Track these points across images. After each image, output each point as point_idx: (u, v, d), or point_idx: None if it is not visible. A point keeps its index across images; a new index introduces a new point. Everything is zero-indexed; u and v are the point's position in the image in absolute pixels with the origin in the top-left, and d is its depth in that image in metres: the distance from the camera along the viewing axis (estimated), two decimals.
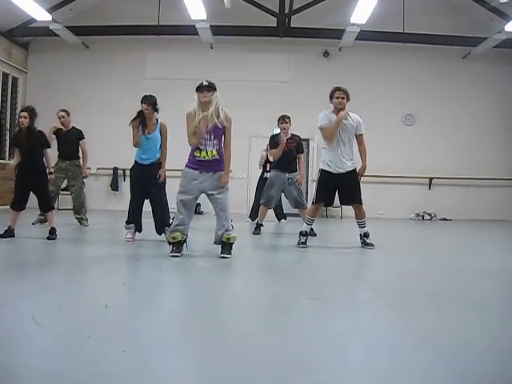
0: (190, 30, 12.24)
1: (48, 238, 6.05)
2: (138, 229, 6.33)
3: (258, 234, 7.66)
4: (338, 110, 6.11)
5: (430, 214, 13.30)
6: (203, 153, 5.05)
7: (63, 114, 8.40)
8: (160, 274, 4.28)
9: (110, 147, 12.25)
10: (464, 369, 2.08)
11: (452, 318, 2.93)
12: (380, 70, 13.44)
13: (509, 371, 2.11)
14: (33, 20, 12.07)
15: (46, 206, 6.36)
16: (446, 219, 13.12)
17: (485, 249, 6.98)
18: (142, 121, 6.20)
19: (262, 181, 9.75)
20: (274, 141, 7.74)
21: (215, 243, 5.15)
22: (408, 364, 2.14)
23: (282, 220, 10.23)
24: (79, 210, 8.25)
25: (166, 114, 13.17)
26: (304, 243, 6.15)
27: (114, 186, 13.67)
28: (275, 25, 12.63)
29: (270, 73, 13.59)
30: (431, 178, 13.47)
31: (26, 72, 13.87)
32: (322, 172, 6.18)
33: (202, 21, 11.87)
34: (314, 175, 12.45)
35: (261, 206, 7.97)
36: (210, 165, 5.07)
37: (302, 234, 6.24)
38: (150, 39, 13.25)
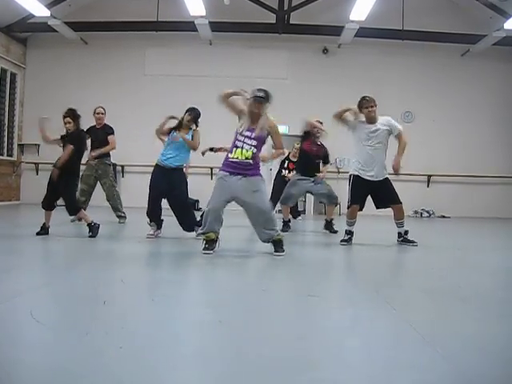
0: (188, 26, 12.22)
1: (90, 236, 6.07)
2: (159, 226, 6.35)
3: (287, 231, 7.53)
4: (369, 118, 6.12)
5: (428, 212, 13.30)
6: (238, 151, 5.02)
7: (103, 110, 8.39)
8: (158, 271, 4.28)
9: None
10: (462, 366, 2.08)
11: (450, 316, 2.93)
12: (379, 67, 13.42)
13: (507, 369, 2.11)
14: (31, 15, 12.03)
15: (72, 210, 6.34)
16: (444, 216, 13.13)
17: (484, 246, 6.98)
18: (177, 126, 6.26)
19: (279, 179, 9.47)
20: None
21: (264, 242, 5.17)
22: (406, 361, 2.14)
23: (299, 217, 10.23)
24: (116, 207, 8.38)
25: (164, 110, 13.12)
26: (347, 241, 6.17)
27: None
28: (274, 21, 12.60)
29: (269, 69, 13.57)
30: (430, 176, 13.48)
31: (25, 68, 13.84)
32: (354, 177, 6.17)
33: (201, 17, 11.85)
34: None
35: (280, 205, 7.97)
36: (243, 168, 5.02)
37: (346, 232, 6.27)
38: (149, 35, 13.21)
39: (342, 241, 6.20)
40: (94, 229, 6.10)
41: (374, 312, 3.00)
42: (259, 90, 5.02)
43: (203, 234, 5.09)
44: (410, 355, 2.21)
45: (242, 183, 5.00)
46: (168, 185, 6.16)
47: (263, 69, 13.49)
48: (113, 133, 8.32)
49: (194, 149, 6.32)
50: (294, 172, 7.88)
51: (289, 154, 9.50)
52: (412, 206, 13.30)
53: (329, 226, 7.69)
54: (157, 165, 6.31)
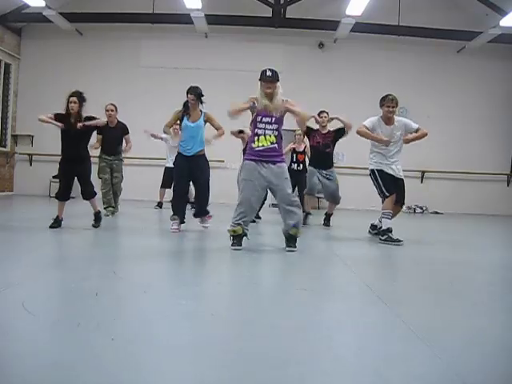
0: (184, 18, 12.19)
1: (93, 226, 6.10)
2: (182, 220, 6.30)
3: (307, 224, 7.51)
4: (386, 117, 6.13)
5: (421, 208, 13.36)
6: (261, 139, 5.00)
7: (112, 107, 8.31)
8: (150, 263, 4.27)
9: None
10: (453, 361, 2.09)
11: (442, 311, 2.95)
12: (374, 62, 13.42)
13: (498, 363, 2.13)
14: (26, 5, 11.96)
15: (89, 194, 6.26)
16: (437, 213, 13.19)
17: (476, 243, 7.02)
18: (185, 110, 6.23)
19: (291, 172, 9.22)
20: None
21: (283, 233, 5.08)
22: (396, 355, 2.15)
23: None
24: (116, 198, 8.48)
25: (159, 102, 13.09)
26: (398, 240, 5.84)
27: None
28: (270, 15, 12.58)
29: (265, 63, 13.24)
30: (423, 172, 13.53)
31: (19, 58, 13.75)
32: (378, 171, 6.13)
33: (197, 10, 11.81)
34: None
35: (305, 196, 7.92)
36: (269, 155, 4.98)
37: (389, 230, 5.96)
38: (145, 27, 13.17)
39: (396, 241, 5.84)
40: (99, 219, 6.16)
41: (364, 306, 3.02)
42: (267, 69, 5.03)
43: (231, 228, 4.98)
44: (400, 349, 2.23)
45: (273, 169, 4.96)
46: (193, 172, 6.21)
47: (258, 62, 13.32)
48: (128, 132, 8.45)
49: (222, 133, 6.39)
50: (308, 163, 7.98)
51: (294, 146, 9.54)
52: (405, 202, 13.35)
53: (327, 218, 7.75)
54: (179, 153, 6.30)
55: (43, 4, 11.61)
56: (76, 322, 2.37)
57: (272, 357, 2.07)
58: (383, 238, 5.94)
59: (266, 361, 2.03)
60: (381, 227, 6.20)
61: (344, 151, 12.66)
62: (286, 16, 12.82)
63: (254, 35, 13.38)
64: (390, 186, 6.08)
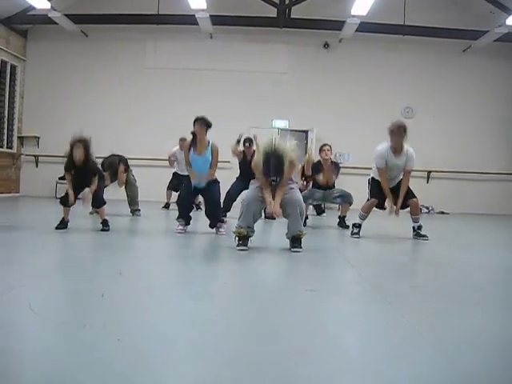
0: (189, 19, 12.18)
1: (102, 230, 6.08)
2: (187, 223, 6.36)
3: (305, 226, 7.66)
4: (394, 147, 6.17)
5: (427, 208, 13.29)
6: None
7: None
8: (156, 264, 4.29)
9: (108, 136, 12.10)
10: (457, 359, 2.09)
11: (444, 311, 2.93)
12: (380, 62, 13.39)
13: (499, 363, 2.13)
14: (32, 7, 11.98)
15: (98, 202, 6.31)
16: (443, 213, 13.13)
17: (482, 243, 6.99)
18: (193, 140, 6.18)
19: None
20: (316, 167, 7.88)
21: (288, 238, 5.14)
22: (400, 355, 2.15)
23: (323, 214, 10.24)
24: (133, 201, 8.61)
25: (164, 103, 13.11)
26: (357, 233, 6.40)
27: None
28: (275, 15, 12.56)
29: (270, 64, 13.55)
30: (429, 172, 13.48)
31: (25, 60, 13.80)
32: (373, 180, 6.51)
33: (202, 10, 11.81)
34: None
35: None
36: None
37: (355, 225, 6.49)
38: (150, 28, 13.18)
39: (353, 234, 6.41)
40: (106, 223, 6.16)
41: (368, 307, 3.02)
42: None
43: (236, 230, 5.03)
44: (404, 349, 2.22)
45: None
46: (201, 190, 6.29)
47: (264, 63, 13.47)
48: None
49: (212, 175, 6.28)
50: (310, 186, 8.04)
51: (303, 169, 8.53)
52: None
53: (342, 222, 7.78)
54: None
55: (49, 6, 11.62)
56: (82, 322, 2.38)
57: (277, 357, 2.07)
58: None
59: (272, 361, 2.03)
60: (419, 226, 6.53)
61: (349, 151, 12.66)
62: (291, 16, 12.79)
63: (259, 35, 13.36)
64: (376, 194, 6.43)
